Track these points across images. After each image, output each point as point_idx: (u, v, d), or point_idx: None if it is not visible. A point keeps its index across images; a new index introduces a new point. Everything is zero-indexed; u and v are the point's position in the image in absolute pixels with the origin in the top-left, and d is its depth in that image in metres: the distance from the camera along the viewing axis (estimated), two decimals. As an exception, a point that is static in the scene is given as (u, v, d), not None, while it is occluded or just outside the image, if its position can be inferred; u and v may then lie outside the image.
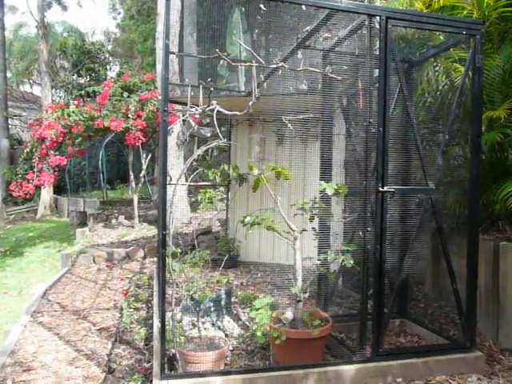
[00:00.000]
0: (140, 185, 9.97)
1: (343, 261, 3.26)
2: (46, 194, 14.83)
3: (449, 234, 3.70)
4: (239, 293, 5.03)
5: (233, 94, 7.28)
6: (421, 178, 3.41)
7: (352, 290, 4.71)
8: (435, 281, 4.30)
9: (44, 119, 8.87)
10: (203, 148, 3.24)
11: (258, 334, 3.22)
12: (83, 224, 11.62)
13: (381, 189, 3.19)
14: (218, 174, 6.67)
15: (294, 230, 3.42)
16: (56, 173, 9.04)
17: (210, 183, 7.60)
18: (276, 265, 6.39)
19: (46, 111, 9.22)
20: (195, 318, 3.44)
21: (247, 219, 3.56)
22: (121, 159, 15.87)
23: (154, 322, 4.24)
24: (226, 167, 6.69)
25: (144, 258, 7.90)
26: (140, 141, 8.26)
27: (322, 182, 3.38)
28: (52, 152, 8.80)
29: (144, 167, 9.71)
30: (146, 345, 3.98)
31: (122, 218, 10.56)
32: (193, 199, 10.97)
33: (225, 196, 11.00)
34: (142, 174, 9.74)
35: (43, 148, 8.53)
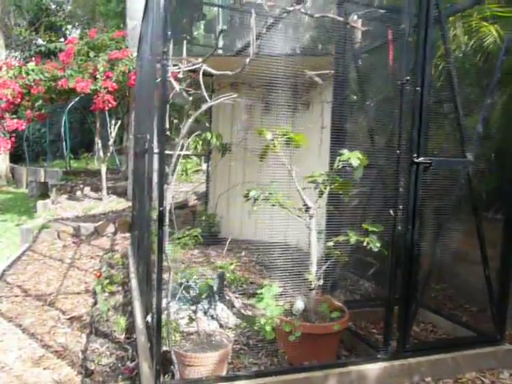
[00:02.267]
0: (108, 154, 9.16)
1: (368, 244, 2.78)
2: (2, 163, 13.65)
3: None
4: (227, 275, 4.52)
5: (218, 54, 6.56)
6: (455, 148, 2.95)
7: (354, 274, 4.32)
8: (454, 265, 3.93)
9: (-2, 77, 7.87)
10: (204, 107, 2.65)
11: (267, 328, 2.72)
12: (44, 196, 10.71)
13: (416, 160, 2.71)
14: (200, 142, 6.03)
15: (309, 207, 2.91)
16: (13, 139, 8.13)
17: (189, 153, 6.94)
18: (259, 242, 5.92)
19: (0, 68, 8.17)
20: (191, 310, 2.91)
21: (252, 193, 3.01)
22: (84, 127, 14.77)
23: (134, 309, 3.68)
24: (208, 135, 6.04)
25: (115, 233, 7.24)
26: (110, 105, 7.45)
27: (345, 150, 2.85)
28: (8, 115, 7.87)
29: (113, 135, 8.89)
30: (128, 338, 3.42)
31: (87, 189, 9.74)
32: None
33: (200, 168, 10.39)
34: (110, 143, 8.93)
35: (-2, 110, 7.59)
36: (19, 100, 7.51)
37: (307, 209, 3.08)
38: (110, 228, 7.30)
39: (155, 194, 2.71)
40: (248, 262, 5.54)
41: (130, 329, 3.56)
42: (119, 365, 3.00)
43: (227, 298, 3.92)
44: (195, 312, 3.02)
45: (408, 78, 2.67)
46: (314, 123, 5.51)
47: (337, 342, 2.95)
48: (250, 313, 3.78)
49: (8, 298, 4.27)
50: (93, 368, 2.93)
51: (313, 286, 2.94)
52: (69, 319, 3.78)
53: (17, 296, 4.33)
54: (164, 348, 2.75)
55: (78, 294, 4.45)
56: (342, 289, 4.03)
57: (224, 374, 2.56)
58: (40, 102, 8.30)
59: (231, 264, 2.91)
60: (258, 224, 6.71)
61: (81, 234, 7.04)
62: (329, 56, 5.14)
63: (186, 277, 2.77)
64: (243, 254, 5.95)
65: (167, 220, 2.31)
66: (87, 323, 3.70)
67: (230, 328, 3.45)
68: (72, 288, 4.61)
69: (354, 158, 2.80)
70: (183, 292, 2.89)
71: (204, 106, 2.61)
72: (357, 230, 2.94)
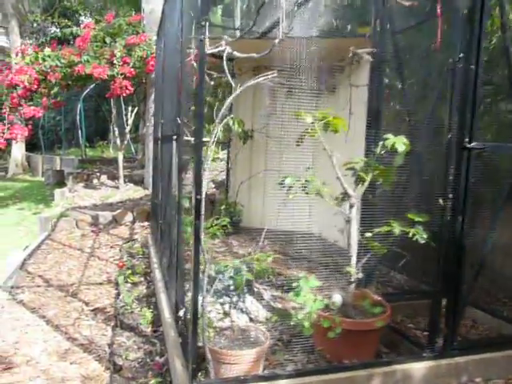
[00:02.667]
0: (125, 142, 9.03)
1: (414, 235, 2.59)
2: (18, 151, 13.64)
3: None
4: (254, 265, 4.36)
5: (241, 36, 6.33)
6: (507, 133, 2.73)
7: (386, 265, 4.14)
8: (497, 258, 3.73)
9: (14, 63, 7.76)
10: (243, 87, 2.47)
11: (306, 324, 2.56)
12: (60, 184, 10.68)
13: (468, 145, 2.50)
14: (222, 129, 5.84)
15: (350, 196, 2.72)
16: (30, 126, 8.04)
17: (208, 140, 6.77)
18: (281, 232, 5.76)
19: (16, 54, 8.06)
20: (225, 304, 2.77)
21: (288, 181, 2.84)
22: (98, 115, 14.66)
23: (159, 302, 3.56)
24: (230, 122, 5.85)
25: (133, 222, 7.13)
26: (127, 91, 7.30)
27: (390, 135, 2.65)
28: (23, 102, 7.76)
29: (130, 122, 8.75)
30: (155, 331, 3.29)
31: (104, 177, 9.65)
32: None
33: (217, 155, 10.22)
34: (127, 130, 8.80)
35: (14, 97, 7.48)
36: (36, 87, 7.38)
37: (343, 197, 2.91)
38: (129, 217, 7.20)
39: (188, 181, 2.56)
40: (272, 252, 5.38)
41: (156, 321, 3.44)
42: (148, 360, 2.88)
43: (255, 289, 3.78)
44: (229, 306, 2.87)
45: (462, 55, 2.45)
46: (341, 109, 5.30)
47: (377, 339, 2.78)
48: (279, 305, 3.63)
49: (30, 288, 4.18)
50: (121, 363, 2.81)
51: (352, 279, 2.77)
52: (92, 311, 3.67)
53: (39, 286, 4.23)
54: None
55: (100, 284, 4.34)
56: (374, 281, 3.86)
57: (262, 372, 2.42)
58: (56, 89, 8.18)
59: (268, 256, 2.75)
60: (280, 213, 6.52)
61: (99, 222, 6.94)
62: (358, 37, 4.91)
63: (220, 269, 2.63)
64: (266, 243, 5.80)
65: (203, 210, 2.15)
66: (111, 315, 3.58)
67: (260, 322, 3.30)
68: (94, 278, 4.50)
69: (399, 142, 2.60)
70: (217, 285, 2.74)
71: (243, 87, 2.42)
72: (397, 219, 2.76)
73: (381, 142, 2.68)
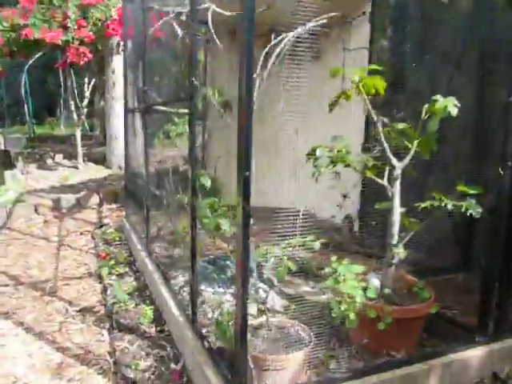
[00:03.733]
0: (83, 117, 8.21)
1: (467, 209, 2.30)
2: (-48, 131, 12.24)
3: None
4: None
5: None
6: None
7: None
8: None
9: None
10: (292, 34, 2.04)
11: (352, 316, 2.22)
12: (7, 165, 9.60)
13: (530, 105, 2.21)
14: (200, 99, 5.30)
15: (394, 167, 2.38)
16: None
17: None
18: (268, 209, 5.40)
19: None
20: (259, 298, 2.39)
21: (318, 152, 2.45)
22: (44, 88, 13.39)
23: (159, 296, 3.12)
24: (209, 91, 5.32)
25: (100, 204, 6.50)
26: (85, 58, 6.52)
27: (438, 96, 2.30)
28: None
29: (87, 95, 7.93)
30: (160, 331, 2.85)
31: (59, 157, 8.79)
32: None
33: (183, 130, 9.63)
34: (84, 104, 7.97)
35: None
36: (-25, 54, 6.44)
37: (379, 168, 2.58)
38: (95, 199, 6.55)
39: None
40: (263, 231, 5.02)
41: (158, 319, 2.99)
42: (162, 368, 2.44)
43: (264, 276, 3.41)
44: (266, 303, 2.50)
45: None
46: (328, 78, 4.91)
47: (421, 327, 2.51)
48: (291, 291, 3.30)
49: (-4, 288, 3.57)
50: (132, 376, 2.36)
51: (394, 260, 2.46)
52: (79, 311, 3.15)
53: (6, 285, 3.62)
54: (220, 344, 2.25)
55: (80, 278, 3.80)
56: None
57: (317, 378, 2.07)
58: (-3, 57, 7.22)
59: (313, 241, 2.33)
60: (262, 189, 6.12)
61: (61, 206, 6.25)
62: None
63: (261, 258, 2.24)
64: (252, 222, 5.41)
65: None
66: (103, 315, 3.09)
67: (277, 312, 2.95)
68: (71, 272, 3.94)
69: (451, 104, 2.26)
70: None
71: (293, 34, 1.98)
72: (439, 192, 2.46)
73: (426, 105, 2.34)
